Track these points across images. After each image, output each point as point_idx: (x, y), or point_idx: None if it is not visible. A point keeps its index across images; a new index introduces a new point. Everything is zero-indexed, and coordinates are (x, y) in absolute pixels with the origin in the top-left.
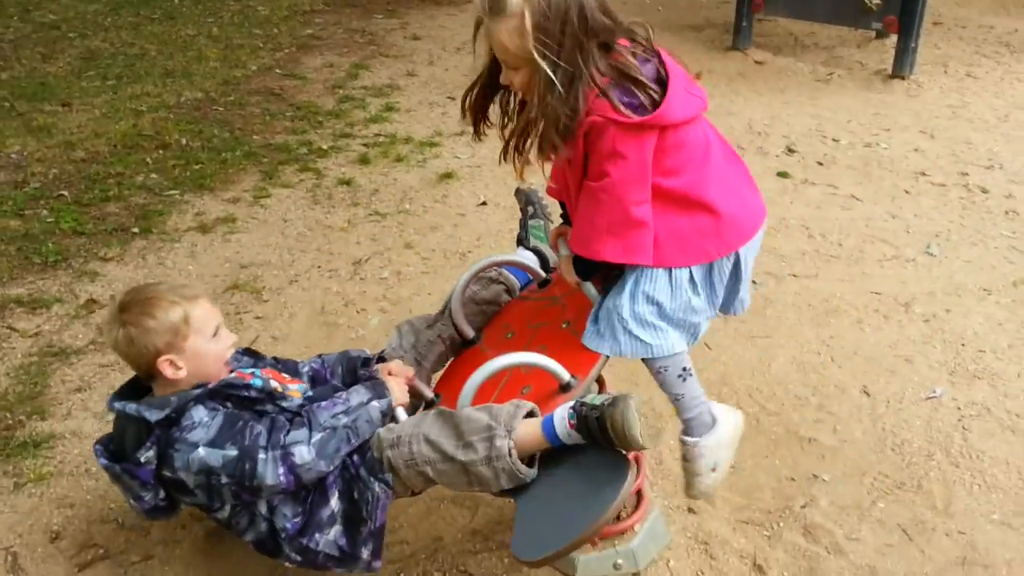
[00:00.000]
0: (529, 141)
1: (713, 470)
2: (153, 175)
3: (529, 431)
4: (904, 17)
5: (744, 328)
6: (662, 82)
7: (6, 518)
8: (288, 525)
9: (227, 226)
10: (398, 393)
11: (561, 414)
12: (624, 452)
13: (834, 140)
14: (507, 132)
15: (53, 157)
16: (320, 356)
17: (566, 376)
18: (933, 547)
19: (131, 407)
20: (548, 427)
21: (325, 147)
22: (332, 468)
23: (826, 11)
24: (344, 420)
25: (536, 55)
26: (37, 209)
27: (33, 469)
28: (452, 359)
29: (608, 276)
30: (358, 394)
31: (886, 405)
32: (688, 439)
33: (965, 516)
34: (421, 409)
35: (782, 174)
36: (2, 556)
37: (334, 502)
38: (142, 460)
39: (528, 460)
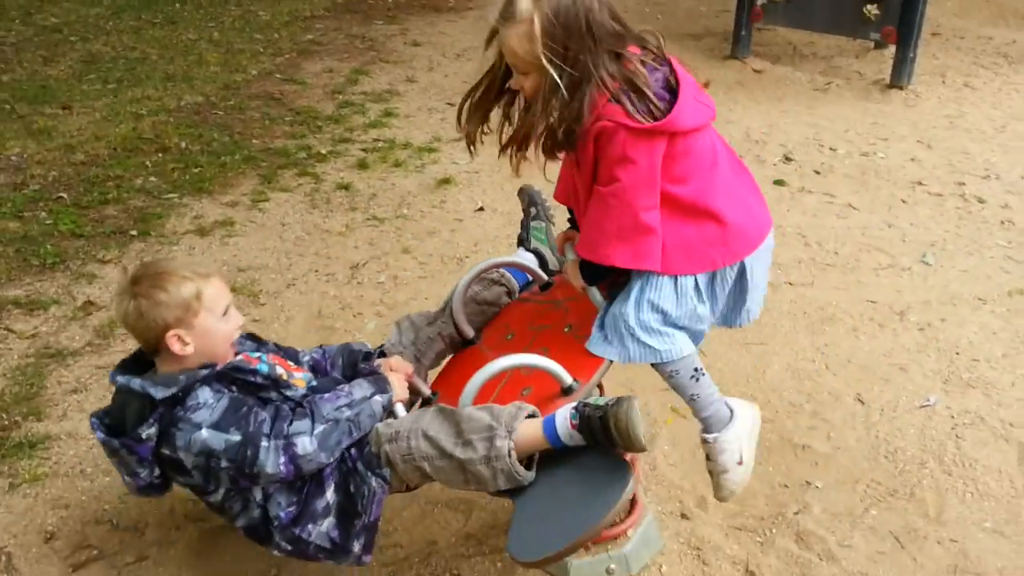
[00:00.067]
0: (530, 142)
1: (740, 463)
2: (152, 178)
3: (529, 431)
4: (902, 27)
5: (739, 335)
6: (672, 90)
7: (1, 518)
8: (282, 514)
9: (225, 229)
10: (398, 389)
11: (563, 414)
12: (623, 455)
13: (831, 149)
14: (508, 133)
15: (53, 160)
16: (321, 347)
17: (568, 379)
18: (925, 555)
19: (136, 382)
20: (549, 427)
21: (324, 152)
22: (332, 460)
23: (825, 21)
24: (347, 413)
25: (543, 59)
26: (36, 211)
27: (28, 470)
28: (450, 358)
29: (614, 282)
30: (361, 388)
31: (880, 413)
32: (709, 436)
33: (957, 524)
34: (418, 406)
35: (779, 182)
36: None
37: (330, 494)
38: (143, 436)
39: (527, 462)
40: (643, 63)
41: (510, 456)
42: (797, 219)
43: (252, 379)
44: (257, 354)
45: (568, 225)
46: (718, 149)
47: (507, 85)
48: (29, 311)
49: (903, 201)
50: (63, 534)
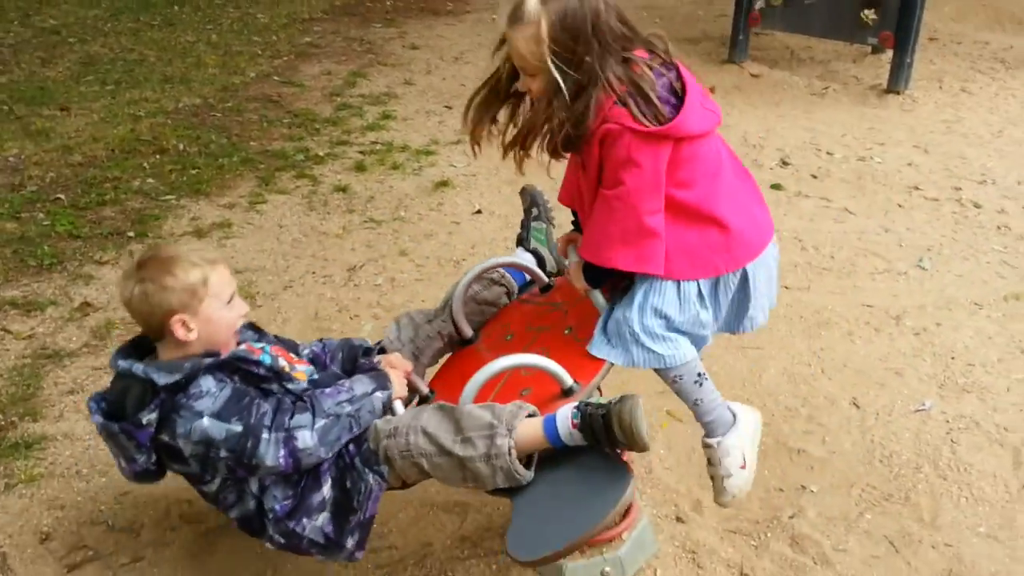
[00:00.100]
0: (534, 142)
1: (742, 467)
2: (150, 180)
3: (530, 430)
4: (900, 32)
5: (735, 339)
6: (678, 95)
7: None
8: (277, 507)
9: (222, 231)
10: (397, 386)
11: (564, 413)
12: (621, 457)
13: (828, 153)
14: (512, 132)
15: (51, 161)
16: (321, 340)
17: (569, 381)
18: (919, 559)
19: (138, 367)
20: (550, 426)
21: (322, 154)
22: (330, 455)
23: (822, 26)
24: (348, 408)
25: (549, 61)
26: (34, 212)
27: (24, 470)
28: (448, 357)
29: (616, 285)
30: (362, 384)
31: (875, 417)
32: (712, 439)
33: (952, 529)
34: (415, 404)
35: (776, 186)
36: None
37: (326, 489)
38: (143, 422)
39: (526, 462)
40: (650, 67)
41: (510, 454)
42: (794, 223)
43: (255, 370)
44: (260, 344)
45: (572, 227)
46: (723, 155)
47: (514, 87)
48: (26, 312)
49: (899, 206)
50: (59, 535)
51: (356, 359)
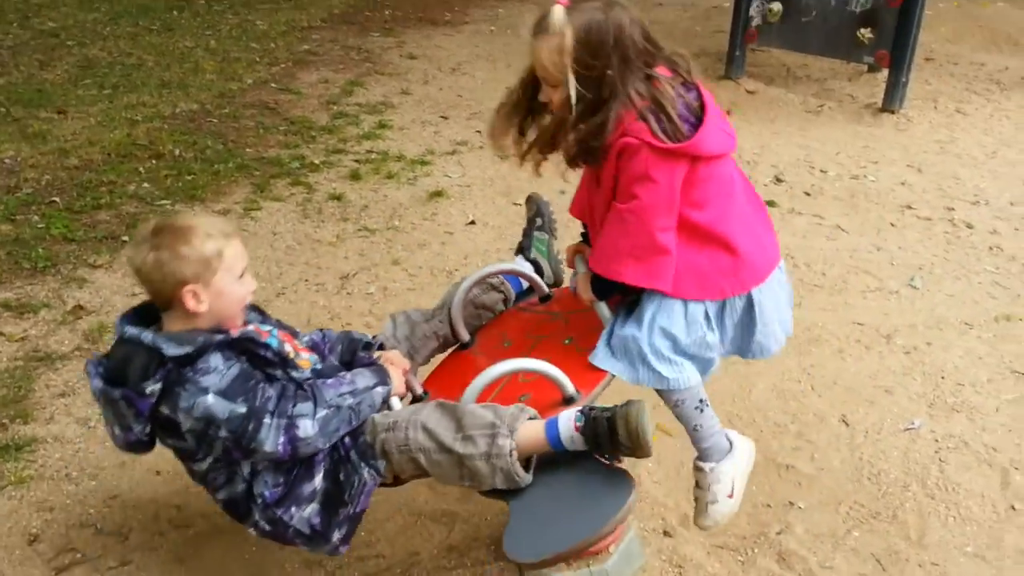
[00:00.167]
0: (552, 150)
1: (730, 496)
2: (145, 184)
3: (531, 432)
4: (896, 52)
5: None
6: (698, 115)
7: None
8: (267, 493)
9: None
10: (396, 383)
11: (568, 416)
12: (620, 462)
13: (822, 171)
14: (532, 140)
15: (47, 164)
16: (321, 330)
17: (571, 389)
18: None
19: (147, 335)
20: (552, 429)
21: (317, 162)
22: (327, 447)
23: (819, 43)
24: (349, 401)
25: (572, 72)
26: (28, 214)
27: (14, 472)
28: (442, 359)
29: (624, 299)
30: (364, 378)
31: (864, 435)
32: (705, 464)
33: (939, 548)
34: (407, 403)
35: (769, 203)
36: None
37: (318, 480)
38: (146, 391)
39: (524, 465)
40: (671, 85)
41: (511, 455)
42: (786, 240)
43: (263, 353)
44: (267, 327)
45: (581, 239)
46: (736, 179)
47: (537, 97)
48: (19, 314)
49: (892, 224)
50: (47, 537)
51: (355, 352)
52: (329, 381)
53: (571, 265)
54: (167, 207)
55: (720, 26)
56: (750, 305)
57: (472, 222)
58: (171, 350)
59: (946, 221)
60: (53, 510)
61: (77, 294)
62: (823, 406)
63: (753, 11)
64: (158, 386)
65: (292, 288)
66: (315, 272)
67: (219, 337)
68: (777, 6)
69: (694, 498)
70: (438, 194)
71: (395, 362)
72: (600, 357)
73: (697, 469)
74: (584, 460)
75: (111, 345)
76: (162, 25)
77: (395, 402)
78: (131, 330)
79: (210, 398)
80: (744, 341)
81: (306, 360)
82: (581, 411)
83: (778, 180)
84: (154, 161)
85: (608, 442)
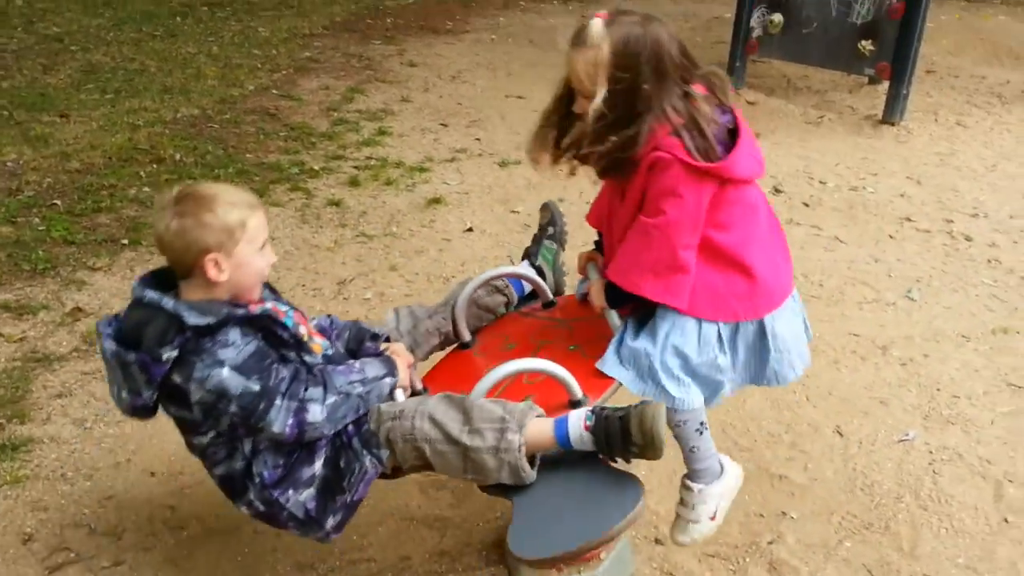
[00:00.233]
0: (583, 161)
1: (712, 519)
2: (146, 188)
3: (539, 430)
4: (897, 64)
5: None
6: (731, 136)
7: None
8: (266, 473)
9: None
10: (402, 375)
11: (578, 414)
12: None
13: (821, 182)
14: (564, 147)
15: (48, 167)
16: (329, 316)
17: (579, 393)
18: None
19: (168, 301)
20: (561, 428)
21: (316, 168)
22: (331, 433)
23: (820, 55)
24: (359, 389)
25: (607, 85)
26: (29, 217)
27: (9, 472)
28: (442, 357)
29: (637, 308)
30: (373, 367)
31: (858, 446)
32: (695, 484)
33: (931, 559)
34: (406, 397)
35: None
36: None
37: (318, 465)
38: (163, 357)
39: (528, 462)
40: (708, 105)
41: (519, 450)
42: None
43: (280, 333)
44: (283, 307)
45: (594, 247)
46: (760, 205)
47: (572, 109)
48: (18, 315)
49: (890, 236)
50: (41, 536)
51: (362, 342)
52: (339, 368)
53: (582, 272)
54: None
55: (721, 37)
56: (762, 331)
57: (470, 229)
58: (192, 319)
59: (945, 233)
60: (48, 510)
61: (76, 296)
62: (817, 416)
63: (754, 22)
64: (174, 353)
65: (289, 293)
66: (312, 277)
67: (240, 312)
68: (778, 17)
69: (676, 513)
70: (436, 201)
71: (400, 355)
72: (609, 364)
73: (685, 488)
74: (589, 462)
75: (126, 307)
76: (165, 31)
77: (399, 394)
78: (151, 294)
79: (225, 371)
80: (758, 368)
81: (318, 345)
82: (591, 410)
83: (777, 190)
84: (155, 165)
85: (619, 441)
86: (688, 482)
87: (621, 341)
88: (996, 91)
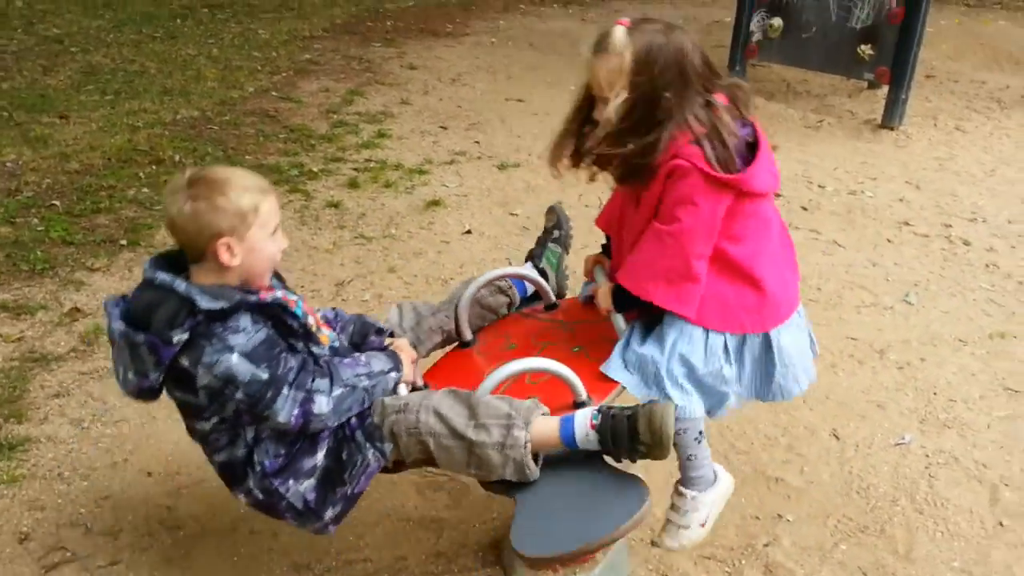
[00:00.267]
0: (602, 167)
1: (702, 525)
2: (145, 189)
3: (544, 428)
4: (896, 68)
5: None
6: (751, 149)
7: None
8: (267, 462)
9: None
10: (406, 370)
11: (584, 413)
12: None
13: (820, 186)
14: (584, 151)
15: (47, 167)
16: (334, 309)
17: (584, 394)
18: None
19: (180, 284)
20: (567, 426)
21: (316, 170)
22: (335, 425)
23: (819, 59)
24: (365, 383)
25: (629, 92)
26: (28, 217)
27: (7, 471)
28: (442, 355)
29: (643, 313)
30: (380, 361)
31: (855, 449)
32: (688, 491)
33: (926, 562)
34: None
35: None
36: None
37: (320, 457)
38: (174, 340)
39: (532, 459)
40: (730, 116)
41: (525, 447)
42: None
43: (291, 322)
44: (294, 297)
45: (601, 250)
46: (773, 219)
47: (592, 116)
48: (16, 315)
49: (889, 240)
50: (37, 535)
51: (367, 336)
52: (346, 360)
53: (588, 275)
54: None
55: (721, 41)
56: (768, 344)
57: (468, 231)
58: (205, 303)
59: (943, 238)
60: (44, 509)
61: (74, 296)
62: (814, 420)
63: (754, 26)
64: (185, 336)
65: None
66: (311, 279)
67: (252, 298)
68: (778, 21)
69: (666, 518)
70: (435, 203)
71: (404, 351)
72: (613, 368)
73: (679, 494)
74: (594, 462)
75: (136, 287)
76: (165, 33)
77: (402, 389)
78: (163, 276)
79: (234, 358)
80: (763, 382)
81: (325, 336)
82: (598, 409)
83: (776, 194)
84: (154, 166)
85: (627, 440)
86: (682, 488)
87: (627, 346)
88: (996, 96)
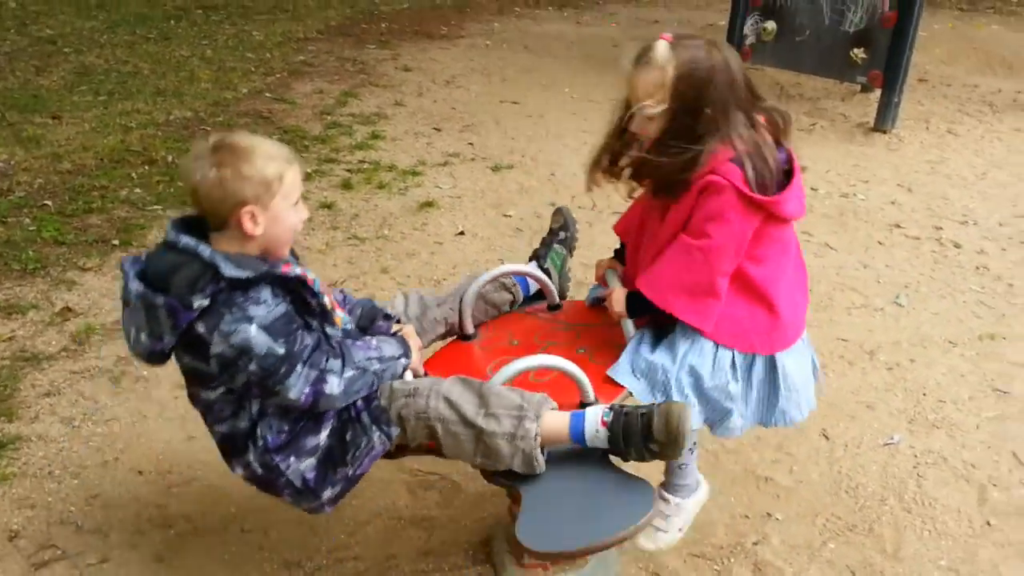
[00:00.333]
0: (640, 180)
1: (680, 530)
2: (137, 190)
3: (554, 422)
4: (889, 72)
5: None
6: (788, 176)
7: None
8: (270, 437)
9: None
10: (414, 357)
11: (595, 410)
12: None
13: (812, 189)
14: (623, 164)
15: (40, 167)
16: (342, 291)
17: (592, 396)
18: None
19: (205, 249)
20: (577, 422)
21: (309, 171)
22: (343, 406)
23: (812, 63)
24: (376, 367)
25: (670, 106)
26: (20, 217)
27: None
28: (442, 347)
29: (654, 320)
30: (390, 346)
31: (844, 449)
32: (672, 497)
33: (914, 561)
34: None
35: None
36: None
37: (323, 436)
38: (194, 305)
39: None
40: (771, 137)
41: (535, 439)
42: None
43: (309, 299)
44: (312, 275)
45: (613, 255)
46: (792, 244)
47: (629, 128)
48: (7, 315)
49: (880, 243)
50: (27, 533)
51: (374, 320)
52: (358, 343)
53: (599, 279)
54: (158, 212)
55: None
56: (773, 367)
57: (461, 233)
58: (229, 271)
59: (934, 240)
60: (35, 507)
61: (66, 296)
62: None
63: (747, 29)
64: (205, 302)
65: None
66: None
67: (276, 271)
68: (771, 25)
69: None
70: (428, 204)
71: (412, 338)
72: (621, 373)
73: (662, 499)
74: (600, 461)
75: (155, 248)
76: (159, 34)
77: (408, 376)
78: (187, 240)
79: (253, 329)
80: (768, 406)
81: (339, 318)
82: (610, 407)
83: None
84: (147, 167)
85: (639, 439)
86: (666, 495)
87: (635, 351)
88: (988, 100)
